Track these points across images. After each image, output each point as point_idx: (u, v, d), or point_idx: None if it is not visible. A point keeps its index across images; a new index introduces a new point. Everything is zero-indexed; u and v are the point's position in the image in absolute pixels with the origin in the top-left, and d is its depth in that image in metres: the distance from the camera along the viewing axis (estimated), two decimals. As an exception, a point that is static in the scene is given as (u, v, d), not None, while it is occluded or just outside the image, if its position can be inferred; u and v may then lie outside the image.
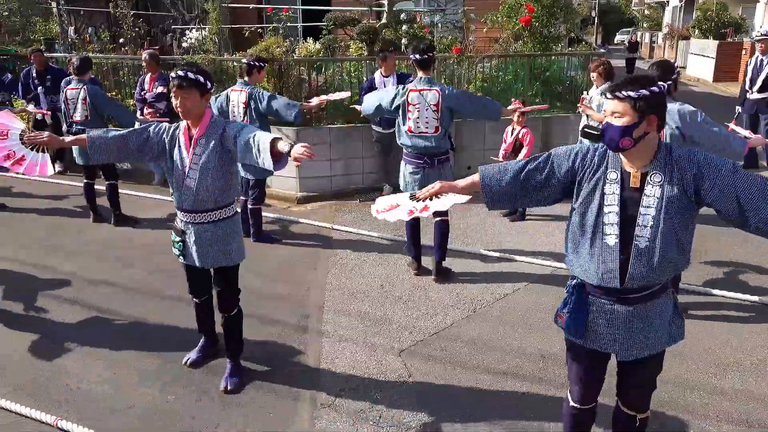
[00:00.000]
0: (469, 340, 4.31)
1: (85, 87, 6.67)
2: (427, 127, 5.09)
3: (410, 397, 3.67)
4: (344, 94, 6.64)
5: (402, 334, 4.39)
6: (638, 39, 27.29)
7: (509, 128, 6.89)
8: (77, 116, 6.70)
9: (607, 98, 2.41)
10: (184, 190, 3.52)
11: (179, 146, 3.52)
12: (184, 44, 9.95)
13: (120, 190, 7.02)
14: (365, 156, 8.06)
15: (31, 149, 3.80)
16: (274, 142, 3.19)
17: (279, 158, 3.23)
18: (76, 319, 4.71)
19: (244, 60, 6.19)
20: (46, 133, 3.69)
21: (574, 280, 2.59)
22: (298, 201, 7.76)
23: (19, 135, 3.83)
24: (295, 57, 8.32)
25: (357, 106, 5.84)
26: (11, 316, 4.76)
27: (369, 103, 5.46)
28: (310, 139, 7.77)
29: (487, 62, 8.60)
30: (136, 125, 4.25)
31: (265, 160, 3.22)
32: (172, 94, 3.43)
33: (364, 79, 8.30)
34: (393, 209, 3.05)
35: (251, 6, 12.40)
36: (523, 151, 6.65)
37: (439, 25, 10.30)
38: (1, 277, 5.43)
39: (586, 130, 6.43)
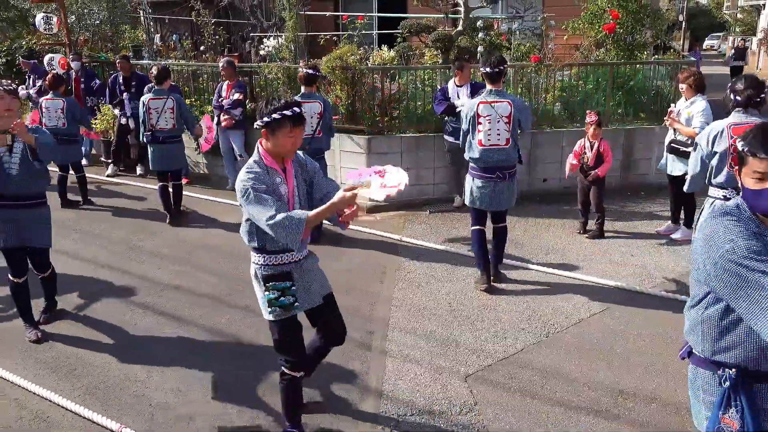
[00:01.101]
0: (541, 367, 4.08)
1: (171, 97, 6.90)
2: (498, 140, 4.99)
3: (475, 426, 3.49)
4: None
5: (469, 357, 4.21)
6: (746, 45, 24.71)
7: (584, 141, 6.56)
8: (161, 124, 6.90)
9: (758, 157, 2.01)
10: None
11: (277, 184, 3.08)
12: (262, 52, 10.11)
13: (195, 194, 7.20)
14: (437, 166, 7.90)
15: None
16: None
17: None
18: (148, 324, 4.80)
19: (303, 70, 6.19)
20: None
21: (726, 371, 2.13)
22: (367, 210, 7.69)
23: None
24: (369, 65, 8.27)
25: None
26: (87, 318, 4.91)
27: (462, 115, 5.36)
28: (381, 147, 7.71)
29: (566, 71, 8.27)
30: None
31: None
32: (283, 132, 2.97)
33: (438, 87, 8.16)
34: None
35: (328, 14, 12.51)
36: (604, 166, 6.32)
37: (517, 32, 10.01)
38: (80, 279, 5.61)
39: (673, 145, 6.07)
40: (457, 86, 7.34)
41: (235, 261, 5.93)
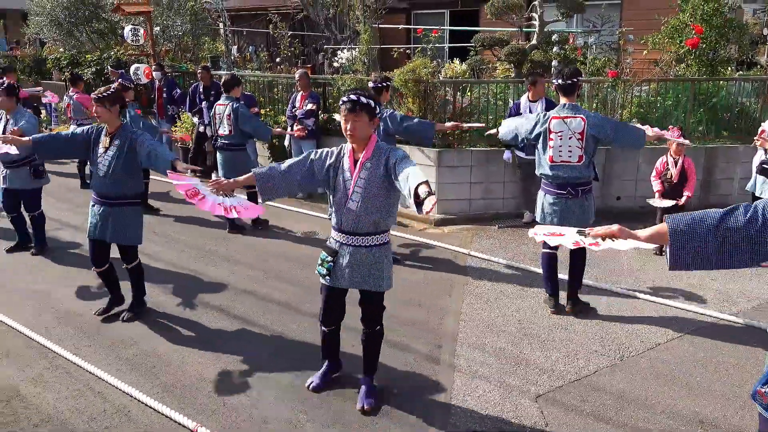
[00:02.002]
0: (615, 391, 3.96)
1: (231, 104, 7.11)
2: (570, 156, 4.85)
3: (547, 448, 3.43)
4: (479, 125, 6.59)
5: (540, 377, 4.14)
6: None
7: (666, 159, 6.36)
8: (222, 130, 7.15)
9: None
10: (345, 211, 3.55)
11: (343, 169, 3.57)
12: (335, 64, 10.31)
13: (266, 203, 7.37)
14: (507, 180, 7.83)
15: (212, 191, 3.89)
16: (418, 187, 3.03)
17: (419, 201, 3.01)
18: (224, 327, 4.95)
19: (370, 83, 6.24)
20: (224, 181, 3.79)
21: None
22: (434, 223, 7.69)
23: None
24: (441, 78, 8.30)
25: (493, 131, 5.71)
26: (165, 318, 5.11)
27: (507, 129, 5.32)
28: (451, 160, 7.71)
29: (644, 86, 8.04)
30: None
31: (410, 204, 3.13)
32: (342, 118, 3.47)
33: (510, 101, 8.10)
34: (555, 236, 2.92)
35: (400, 27, 12.63)
36: (689, 183, 6.10)
37: (594, 46, 9.82)
38: (160, 280, 5.85)
39: (764, 166, 5.79)
40: (531, 102, 7.27)
41: (304, 269, 6.04)
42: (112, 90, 4.80)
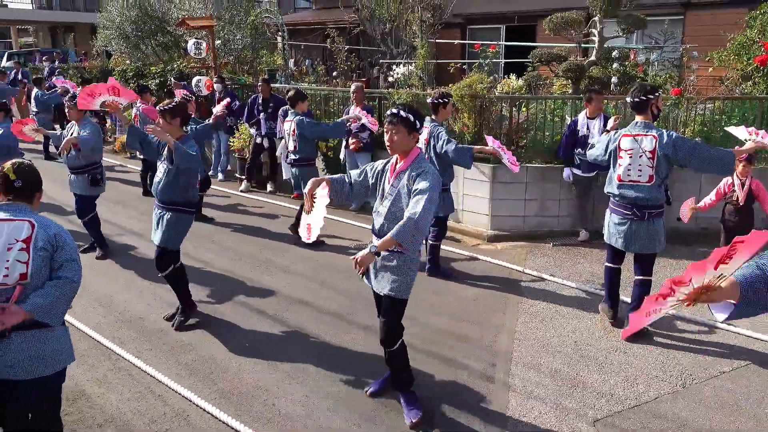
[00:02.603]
0: (677, 420, 3.84)
1: (295, 119, 7.17)
2: (639, 176, 4.69)
3: (605, 475, 3.34)
4: (512, 166, 6.14)
5: (598, 400, 4.04)
6: None
7: (731, 179, 6.13)
8: (290, 146, 7.24)
9: None
10: (376, 215, 3.78)
11: (386, 176, 3.77)
12: (390, 78, 10.40)
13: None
14: (562, 198, 7.71)
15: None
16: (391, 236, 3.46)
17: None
18: (279, 336, 5.03)
19: (429, 99, 6.25)
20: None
21: None
22: (488, 239, 7.63)
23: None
24: (496, 93, 8.26)
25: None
26: (222, 325, 5.22)
27: (591, 157, 5.27)
28: (505, 176, 7.64)
29: (708, 104, 7.81)
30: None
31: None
32: (385, 129, 3.70)
33: (567, 118, 7.99)
34: (653, 314, 2.47)
35: (456, 42, 12.67)
36: (765, 206, 5.87)
37: (656, 63, 9.60)
38: (216, 288, 5.99)
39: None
40: (589, 118, 7.17)
41: (356, 280, 6.06)
42: (173, 104, 5.00)
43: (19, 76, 17.68)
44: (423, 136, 6.03)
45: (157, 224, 5.06)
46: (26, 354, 2.97)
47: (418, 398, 3.91)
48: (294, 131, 7.14)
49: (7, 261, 2.90)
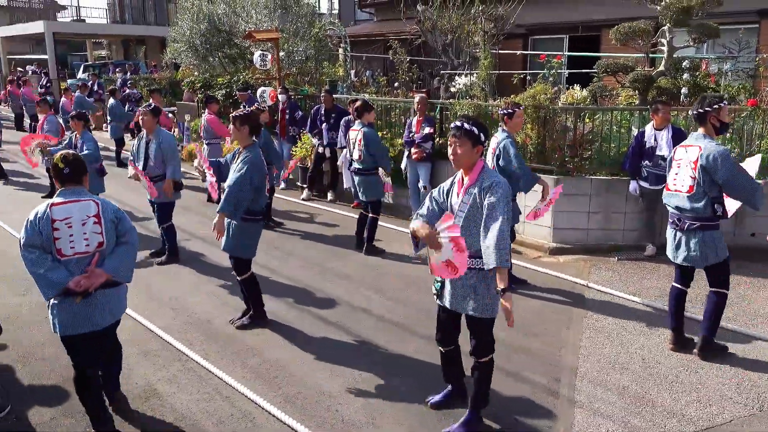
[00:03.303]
0: (754, 444, 3.68)
1: (362, 129, 7.27)
2: (682, 186, 4.68)
3: (677, 498, 3.23)
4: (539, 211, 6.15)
5: (668, 420, 3.92)
6: None
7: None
8: (354, 155, 7.34)
9: None
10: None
11: (453, 193, 3.71)
12: (452, 89, 10.40)
13: (381, 223, 7.51)
14: (628, 211, 7.52)
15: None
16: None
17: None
18: (341, 343, 5.09)
19: (500, 109, 6.21)
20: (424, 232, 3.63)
21: None
22: (549, 251, 7.52)
23: None
24: (560, 104, 8.15)
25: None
26: (286, 330, 5.32)
27: None
28: (569, 188, 7.52)
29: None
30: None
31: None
32: (449, 141, 3.64)
33: (634, 129, 7.81)
34: None
35: (519, 52, 12.57)
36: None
37: (729, 73, 9.27)
38: (280, 294, 6.11)
39: None
40: (656, 130, 7.00)
41: (419, 291, 6.10)
42: (243, 112, 5.18)
43: (95, 87, 18.59)
44: (491, 145, 6.03)
45: (228, 232, 5.22)
46: (107, 306, 3.66)
47: (480, 421, 3.84)
48: (360, 141, 7.23)
49: (85, 233, 3.53)
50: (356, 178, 7.47)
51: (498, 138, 5.96)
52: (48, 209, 3.50)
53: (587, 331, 5.24)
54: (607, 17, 12.06)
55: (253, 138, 5.25)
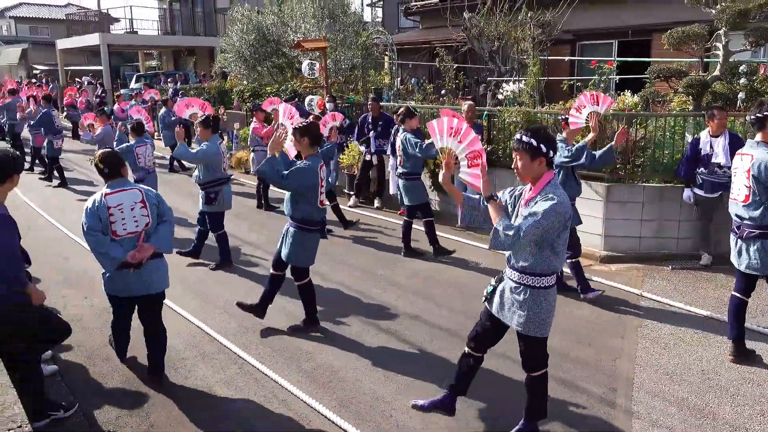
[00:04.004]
0: (823, 460, 3.56)
1: (400, 136, 7.34)
2: (738, 194, 4.65)
3: None
4: None
5: (731, 434, 3.83)
6: None
7: None
8: (398, 159, 7.42)
9: None
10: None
11: (520, 203, 3.63)
12: (499, 96, 10.38)
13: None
14: (682, 219, 7.37)
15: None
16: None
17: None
18: (393, 350, 5.14)
19: (561, 116, 6.18)
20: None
21: None
22: (600, 260, 7.41)
23: None
24: (611, 111, 8.03)
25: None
26: (338, 335, 5.40)
27: None
28: (621, 196, 7.42)
29: None
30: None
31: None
32: (514, 156, 3.55)
33: (688, 136, 7.65)
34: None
35: (567, 58, 12.45)
36: None
37: (790, 77, 8.97)
38: (332, 300, 6.20)
39: None
40: (712, 136, 6.85)
41: (467, 297, 6.11)
42: (302, 124, 5.27)
43: (147, 97, 19.17)
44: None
45: (283, 239, 5.34)
46: (155, 275, 4.41)
47: (536, 430, 3.81)
48: (399, 146, 7.36)
49: (134, 216, 4.28)
50: (399, 183, 7.56)
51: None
52: (103, 198, 4.22)
53: (642, 341, 5.16)
54: (658, 21, 11.86)
55: (316, 148, 5.31)
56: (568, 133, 6.01)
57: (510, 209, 3.68)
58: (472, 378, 3.96)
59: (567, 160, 5.89)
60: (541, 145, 3.44)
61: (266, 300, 5.57)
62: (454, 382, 3.99)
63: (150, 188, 4.52)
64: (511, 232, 3.31)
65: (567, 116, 5.97)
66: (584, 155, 5.88)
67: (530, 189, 3.55)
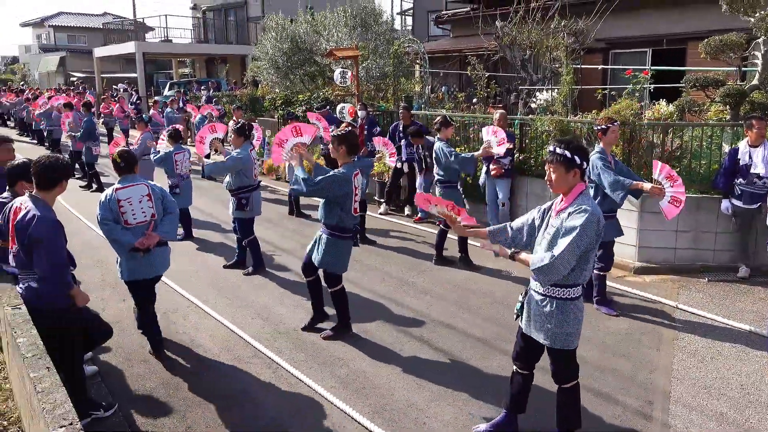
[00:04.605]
0: None
1: (435, 146, 7.36)
2: None
3: None
4: None
5: (772, 450, 3.76)
6: None
7: None
8: (435, 168, 7.44)
9: None
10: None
11: (551, 214, 3.63)
12: (532, 105, 10.34)
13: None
14: (719, 230, 7.24)
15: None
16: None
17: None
18: (425, 357, 5.15)
19: (597, 127, 6.13)
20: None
21: None
22: (634, 271, 7.32)
23: None
24: (645, 120, 7.97)
25: None
26: (370, 344, 5.42)
27: None
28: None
29: None
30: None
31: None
32: (546, 168, 3.58)
33: (725, 145, 7.54)
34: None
35: (599, 67, 12.36)
36: None
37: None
38: (364, 307, 6.24)
39: None
40: (751, 146, 6.75)
41: (501, 307, 6.09)
42: (341, 132, 5.32)
43: (181, 104, 19.52)
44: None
45: (315, 245, 5.41)
46: (158, 260, 5.00)
47: None
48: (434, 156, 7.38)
49: (142, 208, 4.83)
50: (436, 190, 7.57)
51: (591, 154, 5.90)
52: (114, 193, 4.76)
53: (679, 354, 5.09)
54: (694, 30, 11.71)
55: (353, 157, 5.37)
56: (605, 142, 5.95)
57: (538, 222, 3.70)
58: (526, 395, 3.91)
59: (605, 186, 5.79)
60: (575, 157, 3.44)
61: (319, 307, 5.70)
62: (509, 402, 3.96)
63: (156, 183, 5.12)
64: (552, 270, 3.36)
65: (603, 126, 5.92)
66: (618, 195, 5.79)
67: (561, 200, 3.56)
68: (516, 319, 3.81)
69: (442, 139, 7.42)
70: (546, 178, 3.58)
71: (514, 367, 3.91)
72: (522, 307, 3.74)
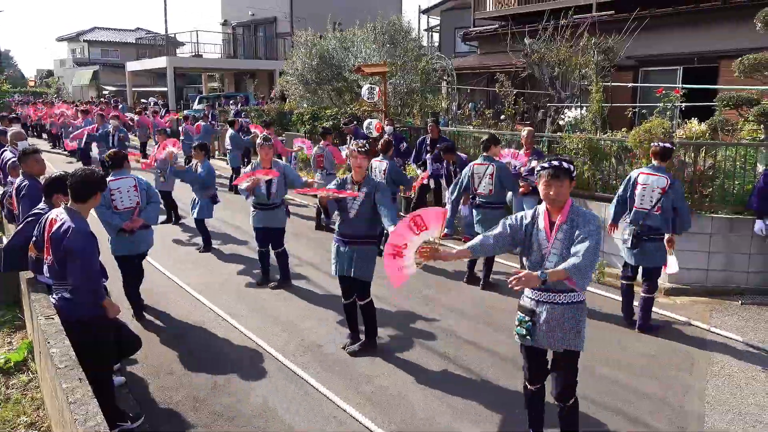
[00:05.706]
0: None
1: (493, 164, 7.26)
2: None
3: None
4: None
5: (812, 482, 3.63)
6: None
7: None
8: (481, 189, 7.28)
9: None
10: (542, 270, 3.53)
11: (539, 230, 3.63)
12: (560, 122, 10.28)
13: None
14: (753, 252, 7.08)
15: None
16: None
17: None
18: (451, 374, 5.10)
19: (658, 144, 6.01)
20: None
21: None
22: (665, 292, 7.19)
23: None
24: (677, 139, 7.86)
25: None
26: (396, 358, 5.39)
27: None
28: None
29: None
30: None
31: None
32: (543, 183, 3.55)
33: (759, 166, 7.39)
34: None
35: (629, 85, 12.25)
36: None
37: None
38: (388, 323, 6.20)
39: None
40: (787, 166, 6.60)
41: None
42: (366, 146, 5.37)
43: (210, 118, 19.81)
44: (660, 185, 5.86)
45: (351, 259, 5.35)
46: (141, 240, 6.09)
47: None
48: (492, 175, 7.21)
49: (129, 197, 5.97)
50: (478, 212, 7.43)
51: (665, 177, 5.89)
52: (107, 183, 5.33)
53: (713, 379, 4.96)
54: (726, 48, 11.54)
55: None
56: (668, 165, 5.91)
57: (522, 234, 3.70)
58: (542, 412, 3.95)
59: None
60: (571, 167, 3.55)
61: (355, 326, 5.69)
62: (530, 423, 3.99)
63: (141, 177, 6.16)
64: (585, 269, 3.36)
65: (668, 146, 5.89)
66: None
67: (549, 213, 3.59)
68: (522, 338, 3.74)
69: (492, 158, 7.31)
70: (553, 193, 3.50)
71: (531, 389, 3.91)
72: (532, 325, 3.66)
